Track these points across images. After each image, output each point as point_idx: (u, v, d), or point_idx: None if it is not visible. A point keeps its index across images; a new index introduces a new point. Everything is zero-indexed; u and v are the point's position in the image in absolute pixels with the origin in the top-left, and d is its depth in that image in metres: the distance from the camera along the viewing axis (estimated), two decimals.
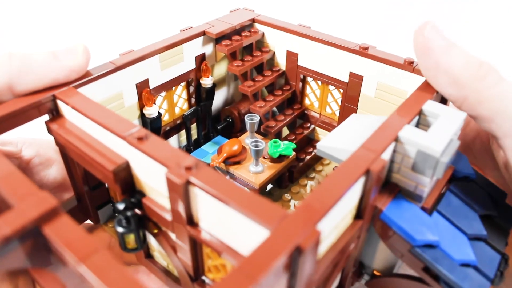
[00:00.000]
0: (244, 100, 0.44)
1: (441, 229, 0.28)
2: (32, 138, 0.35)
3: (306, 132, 0.42)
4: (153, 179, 0.26)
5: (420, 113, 0.29)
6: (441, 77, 0.30)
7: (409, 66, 0.34)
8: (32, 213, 0.21)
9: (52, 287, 0.27)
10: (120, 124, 0.27)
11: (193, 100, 0.42)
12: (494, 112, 0.29)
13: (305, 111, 0.43)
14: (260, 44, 0.43)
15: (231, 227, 0.23)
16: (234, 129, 0.44)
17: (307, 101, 0.44)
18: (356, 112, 0.39)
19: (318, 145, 0.30)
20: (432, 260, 0.26)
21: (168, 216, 0.26)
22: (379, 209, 0.27)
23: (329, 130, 0.42)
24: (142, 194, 0.28)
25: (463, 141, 0.37)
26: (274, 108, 0.43)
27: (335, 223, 0.23)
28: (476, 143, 0.36)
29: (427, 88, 0.31)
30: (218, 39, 0.40)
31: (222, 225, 0.23)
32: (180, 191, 0.23)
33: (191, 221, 0.25)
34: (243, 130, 0.44)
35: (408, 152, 0.27)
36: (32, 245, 0.22)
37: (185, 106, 0.42)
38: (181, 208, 0.24)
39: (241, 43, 0.40)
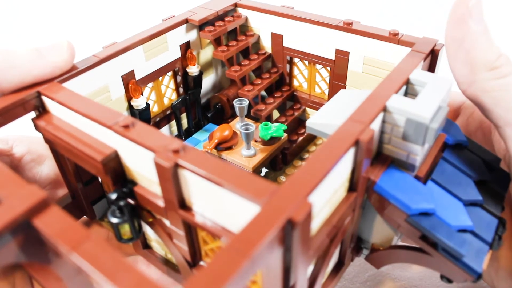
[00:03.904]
0: (232, 86, 0.44)
1: (436, 196, 0.28)
2: (23, 136, 0.35)
3: (296, 113, 0.42)
4: (142, 167, 0.26)
5: (408, 82, 0.29)
6: (461, 53, 0.29)
7: (394, 38, 0.34)
8: (21, 207, 0.20)
9: (49, 281, 0.27)
10: (106, 114, 0.26)
11: (181, 90, 0.41)
12: (497, 101, 0.29)
13: (294, 93, 0.43)
14: (244, 29, 0.42)
15: (223, 207, 0.23)
16: (224, 115, 0.44)
17: (295, 83, 0.43)
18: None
19: (307, 122, 0.30)
20: (429, 228, 0.26)
21: (161, 203, 0.26)
22: (372, 180, 0.27)
23: None
24: (133, 183, 0.28)
25: (465, 132, 0.37)
26: (263, 92, 0.43)
27: (327, 196, 0.23)
28: (478, 134, 0.37)
29: (413, 58, 0.31)
30: (201, 26, 0.39)
31: (213, 205, 0.23)
32: (169, 175, 0.23)
33: (183, 205, 0.25)
34: (233, 116, 0.44)
35: (397, 121, 0.27)
36: (24, 239, 0.21)
37: (174, 96, 0.41)
38: (172, 192, 0.24)
39: (225, 28, 0.39)
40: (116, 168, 0.27)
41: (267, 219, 0.19)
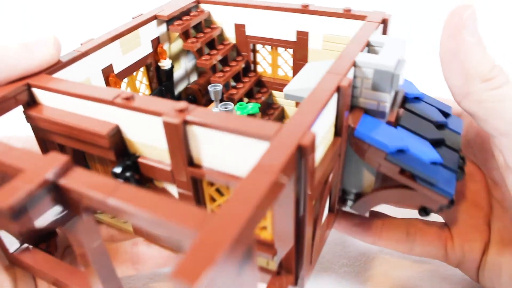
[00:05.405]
0: (201, 77, 0.46)
1: (406, 137, 0.32)
2: (15, 135, 0.35)
3: (264, 97, 0.45)
4: (147, 135, 0.27)
5: (368, 44, 0.33)
6: (455, 64, 0.30)
7: (348, 13, 0.38)
8: (47, 169, 0.21)
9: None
10: (104, 92, 0.28)
11: (154, 85, 0.43)
12: (491, 112, 0.29)
13: (260, 78, 0.46)
14: (208, 23, 0.45)
15: (233, 154, 0.25)
16: (198, 105, 0.46)
17: (260, 68, 0.47)
18: None
19: (285, 89, 0.33)
20: (406, 162, 0.30)
21: (167, 167, 0.28)
22: (352, 127, 0.30)
23: None
24: (136, 156, 0.29)
25: (464, 139, 0.39)
26: (233, 83, 0.46)
27: (322, 134, 0.26)
28: (476, 141, 0.38)
29: (369, 26, 0.35)
30: (169, 22, 0.42)
31: (223, 155, 0.25)
32: (180, 131, 0.25)
33: (192, 163, 0.27)
34: (206, 105, 0.46)
35: (366, 74, 0.30)
36: (49, 202, 0.22)
37: (147, 92, 0.43)
38: (181, 150, 0.26)
39: (191, 22, 0.42)
40: (118, 143, 0.29)
41: (280, 148, 0.22)
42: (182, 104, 0.25)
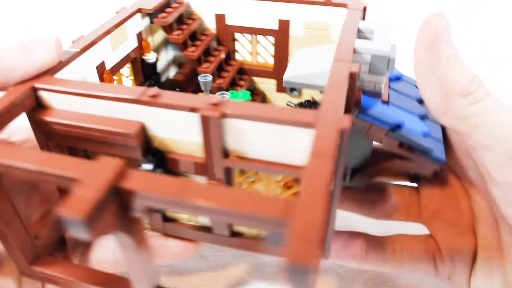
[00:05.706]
0: (183, 68, 0.46)
1: (400, 114, 0.35)
2: (17, 125, 0.33)
3: (246, 84, 0.47)
4: (177, 131, 0.28)
5: (359, 31, 0.36)
6: (433, 79, 0.29)
7: (328, 1, 0.41)
8: (107, 176, 0.21)
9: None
10: (127, 90, 0.28)
11: (139, 79, 0.43)
12: (473, 127, 0.29)
13: (242, 66, 0.48)
14: (188, 14, 0.45)
15: (273, 143, 0.26)
16: None
17: (241, 57, 0.48)
18: (288, 55, 0.45)
19: (285, 77, 0.35)
20: (404, 135, 0.33)
21: (200, 160, 0.28)
22: (355, 108, 0.33)
23: (268, 77, 0.47)
24: (162, 152, 0.29)
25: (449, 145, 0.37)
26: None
27: None
28: (461, 148, 0.35)
29: (354, 14, 0.38)
30: (151, 15, 0.41)
31: (262, 145, 0.27)
32: (219, 125, 0.26)
33: (226, 155, 0.28)
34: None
35: (364, 59, 0.33)
36: (113, 207, 0.22)
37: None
38: (218, 143, 0.27)
39: (174, 14, 0.42)
40: (144, 141, 0.29)
41: (327, 133, 0.24)
42: (216, 98, 0.26)
